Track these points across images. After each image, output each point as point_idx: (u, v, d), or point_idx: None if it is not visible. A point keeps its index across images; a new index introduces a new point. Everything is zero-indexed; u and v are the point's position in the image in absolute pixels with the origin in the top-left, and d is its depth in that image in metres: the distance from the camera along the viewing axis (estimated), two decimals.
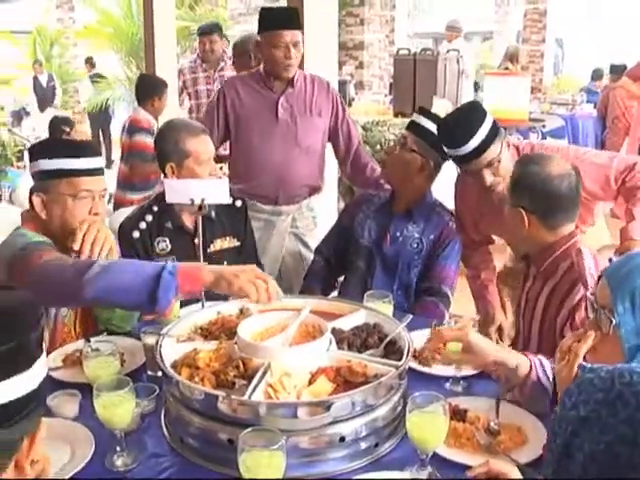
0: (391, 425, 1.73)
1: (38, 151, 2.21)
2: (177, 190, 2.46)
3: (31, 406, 1.02)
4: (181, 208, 2.64)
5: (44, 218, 2.17)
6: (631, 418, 0.98)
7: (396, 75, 7.29)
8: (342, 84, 7.34)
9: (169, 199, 2.49)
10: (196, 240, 2.64)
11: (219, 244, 2.75)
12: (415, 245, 2.77)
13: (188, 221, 2.69)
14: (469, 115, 2.53)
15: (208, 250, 2.62)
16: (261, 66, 3.31)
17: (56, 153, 2.16)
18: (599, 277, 1.58)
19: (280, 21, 3.15)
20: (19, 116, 11.65)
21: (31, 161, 2.22)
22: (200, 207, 2.39)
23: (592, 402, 1.02)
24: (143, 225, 2.63)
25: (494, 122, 2.52)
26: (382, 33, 10.32)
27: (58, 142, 2.31)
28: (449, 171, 2.97)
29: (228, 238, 2.79)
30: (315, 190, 3.40)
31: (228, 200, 2.54)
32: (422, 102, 7.07)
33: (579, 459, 1.01)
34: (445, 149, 2.59)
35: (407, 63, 7.11)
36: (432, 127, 2.71)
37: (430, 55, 7.18)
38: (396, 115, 6.58)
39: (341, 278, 3.05)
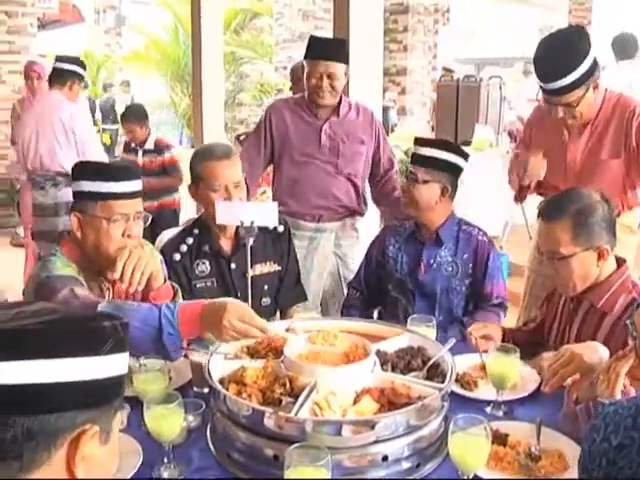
0: (433, 446, 1.74)
1: (77, 171, 2.25)
2: (227, 211, 2.49)
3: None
4: (220, 232, 2.67)
5: (79, 237, 2.21)
6: None
7: (439, 101, 7.32)
8: (385, 110, 7.40)
9: (219, 220, 2.52)
10: (232, 264, 2.70)
11: (259, 269, 2.75)
12: (450, 269, 2.78)
13: (225, 245, 2.71)
14: (574, 47, 2.50)
15: (247, 275, 2.62)
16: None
17: (93, 175, 2.18)
18: (638, 305, 1.58)
19: (318, 51, 3.24)
20: None
21: (72, 180, 2.27)
22: (247, 229, 2.44)
23: (622, 429, 1.04)
24: (184, 248, 2.66)
25: (595, 60, 2.49)
26: (425, 59, 10.38)
27: (96, 164, 2.35)
28: None
29: (269, 263, 2.79)
30: (357, 213, 3.45)
31: (276, 224, 2.57)
32: (464, 128, 7.10)
33: None
34: (537, 77, 2.57)
35: (450, 89, 7.15)
36: (435, 153, 2.73)
37: (473, 81, 7.20)
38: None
39: (376, 310, 3.06)
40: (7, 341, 0.95)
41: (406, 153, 5.75)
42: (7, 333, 0.96)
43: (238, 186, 2.63)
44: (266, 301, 2.80)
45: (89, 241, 2.19)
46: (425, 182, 2.72)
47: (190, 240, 2.67)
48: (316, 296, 3.37)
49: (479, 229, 2.85)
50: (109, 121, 12.92)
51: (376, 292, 2.97)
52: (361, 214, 3.49)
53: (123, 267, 2.06)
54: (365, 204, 3.50)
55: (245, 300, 2.40)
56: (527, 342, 2.36)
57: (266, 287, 2.79)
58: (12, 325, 0.97)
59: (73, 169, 2.29)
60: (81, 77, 4.58)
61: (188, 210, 5.28)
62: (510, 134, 6.92)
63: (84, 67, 4.64)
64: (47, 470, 0.97)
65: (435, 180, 2.73)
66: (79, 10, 16.03)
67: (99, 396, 1.01)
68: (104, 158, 4.43)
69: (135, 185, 2.23)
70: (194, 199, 2.74)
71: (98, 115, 13.33)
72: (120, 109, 12.15)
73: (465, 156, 2.80)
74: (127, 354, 1.08)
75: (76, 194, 2.23)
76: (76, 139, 4.28)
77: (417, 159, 2.78)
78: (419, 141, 2.83)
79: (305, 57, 3.29)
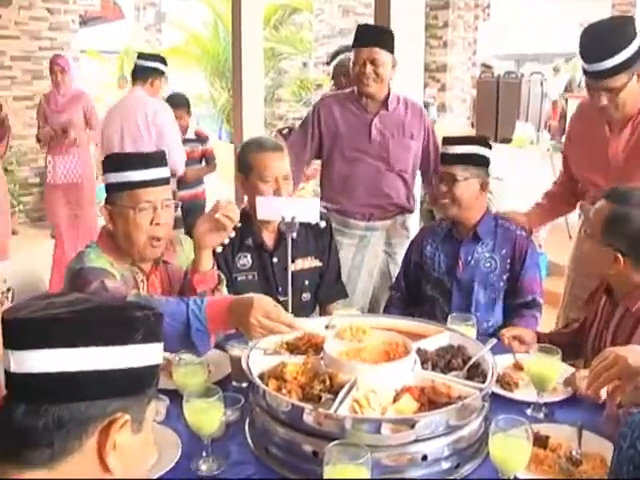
0: (473, 447, 1.73)
1: (106, 164, 2.29)
2: (269, 207, 2.50)
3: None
4: (262, 225, 2.69)
5: (111, 229, 2.25)
6: None
7: (479, 98, 7.25)
8: (425, 106, 7.36)
9: (260, 215, 2.53)
10: (274, 258, 2.70)
11: (300, 264, 2.76)
12: (488, 265, 2.76)
13: (268, 239, 2.72)
14: (620, 31, 2.46)
15: (289, 269, 2.63)
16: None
17: (118, 166, 2.23)
18: None
19: (362, 38, 3.24)
20: None
21: (102, 174, 2.31)
22: (288, 225, 2.44)
23: None
24: (226, 240, 2.67)
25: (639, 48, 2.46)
26: (465, 55, 10.28)
27: (120, 155, 2.37)
28: None
29: (310, 258, 2.80)
30: (406, 210, 3.43)
31: (317, 220, 2.57)
32: (504, 125, 7.03)
33: None
34: (581, 59, 2.53)
35: (490, 86, 7.08)
36: (469, 149, 2.72)
37: (514, 78, 7.12)
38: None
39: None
40: (37, 330, 0.97)
41: None
42: (38, 322, 0.98)
43: (287, 179, 2.65)
44: (306, 296, 2.81)
45: (120, 232, 2.23)
46: (465, 179, 2.71)
47: (233, 233, 2.68)
48: (365, 294, 3.37)
49: (517, 224, 2.84)
50: None
51: (414, 293, 2.97)
52: (410, 211, 3.47)
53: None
54: (414, 201, 3.48)
55: (286, 295, 2.41)
56: (567, 344, 2.33)
57: (307, 282, 2.79)
58: (43, 314, 0.99)
59: (102, 163, 2.33)
60: (162, 73, 4.66)
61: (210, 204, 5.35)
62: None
63: (165, 63, 4.73)
64: (78, 458, 0.98)
65: (474, 176, 2.72)
66: (120, 7, 16.23)
67: (130, 385, 1.02)
68: (181, 153, 4.52)
69: (160, 172, 2.25)
70: (242, 188, 2.73)
71: None
72: None
73: (490, 147, 2.81)
74: (161, 345, 1.09)
75: (106, 187, 2.27)
76: (156, 130, 4.41)
77: (452, 158, 2.75)
78: (449, 140, 2.80)
79: (352, 48, 3.28)
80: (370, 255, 3.37)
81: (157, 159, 2.29)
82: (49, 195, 5.80)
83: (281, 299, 2.39)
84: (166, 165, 2.30)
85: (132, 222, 2.19)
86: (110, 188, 2.25)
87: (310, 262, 2.81)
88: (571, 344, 2.36)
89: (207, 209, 4.88)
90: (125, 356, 1.01)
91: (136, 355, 1.02)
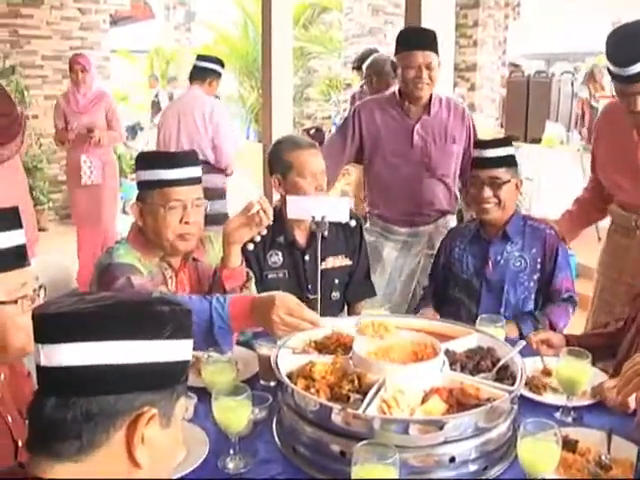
0: (501, 449, 1.72)
1: (138, 162, 2.33)
2: (298, 206, 2.51)
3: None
4: (294, 223, 2.69)
5: (141, 226, 2.28)
6: None
7: (509, 97, 7.19)
8: None
9: (290, 214, 2.54)
10: (306, 256, 2.71)
11: (331, 262, 2.77)
12: (518, 264, 2.75)
13: (300, 237, 2.73)
14: None
15: (320, 267, 2.64)
16: (396, 88, 3.34)
17: (151, 164, 2.25)
18: None
19: (413, 41, 3.18)
20: (134, 131, 12.24)
21: (135, 171, 2.35)
22: (318, 224, 2.44)
23: None
24: (258, 238, 2.63)
25: None
26: (495, 54, 10.20)
27: (152, 154, 2.40)
28: None
29: (340, 257, 2.80)
30: (449, 212, 3.41)
31: (347, 219, 2.56)
32: (534, 125, 6.97)
33: None
34: (609, 63, 2.47)
35: (520, 85, 7.01)
36: (505, 151, 2.72)
37: (544, 77, 7.05)
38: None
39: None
40: (66, 324, 0.99)
41: None
42: (67, 316, 1.00)
43: (324, 174, 2.68)
44: (335, 295, 2.81)
45: (150, 229, 2.26)
46: (507, 182, 2.70)
47: (264, 231, 2.69)
48: (405, 296, 3.37)
49: (546, 223, 2.83)
50: None
51: (441, 295, 2.96)
52: (453, 213, 3.46)
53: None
54: (456, 202, 3.46)
55: (316, 293, 2.42)
56: (603, 345, 2.30)
57: (337, 281, 2.80)
58: (72, 308, 1.01)
59: (135, 161, 2.37)
60: (219, 75, 4.87)
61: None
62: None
63: (222, 65, 4.93)
64: (107, 451, 1.00)
65: (513, 177, 2.72)
66: (150, 7, 16.36)
67: (159, 380, 1.04)
68: (230, 149, 4.65)
69: (192, 172, 2.27)
70: (280, 190, 2.71)
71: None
72: None
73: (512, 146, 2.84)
74: (190, 341, 1.10)
75: (137, 184, 2.31)
76: (212, 127, 4.56)
77: (492, 161, 2.71)
78: (480, 144, 2.80)
79: (399, 50, 3.23)
80: (412, 258, 3.37)
81: (189, 159, 2.32)
82: (76, 195, 5.73)
83: (311, 297, 2.39)
84: (198, 165, 2.32)
85: (162, 220, 2.22)
86: (141, 185, 2.29)
87: (341, 261, 2.81)
88: (607, 345, 2.32)
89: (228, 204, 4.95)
90: (153, 351, 1.02)
91: (164, 350, 1.04)
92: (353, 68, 6.12)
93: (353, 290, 2.88)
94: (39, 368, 1.01)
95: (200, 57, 4.97)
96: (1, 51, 7.77)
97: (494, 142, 2.80)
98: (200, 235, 2.36)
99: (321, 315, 2.33)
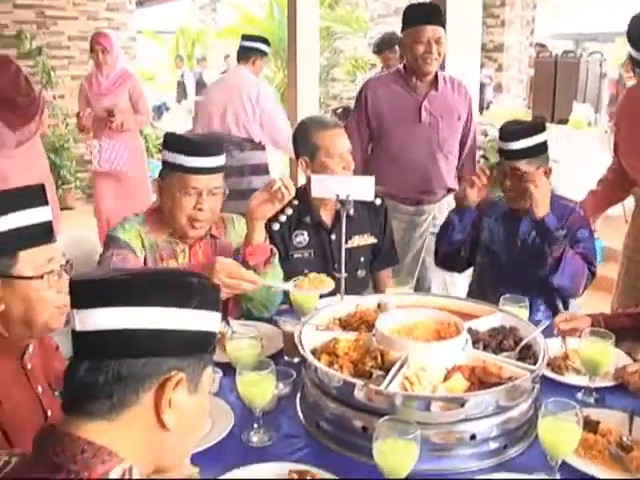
0: (522, 428, 1.73)
1: (166, 141, 2.37)
2: (323, 185, 2.51)
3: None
4: (320, 203, 2.70)
5: (158, 203, 2.36)
6: None
7: (536, 78, 7.10)
8: (481, 87, 7.26)
9: (314, 193, 2.54)
10: (333, 236, 2.73)
11: (357, 241, 2.77)
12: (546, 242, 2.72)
13: (326, 217, 2.74)
14: None
15: (345, 246, 2.64)
16: (401, 65, 3.34)
17: (174, 147, 2.31)
18: None
19: (422, 16, 3.18)
20: (160, 111, 12.29)
21: (162, 149, 2.39)
22: (343, 203, 2.45)
23: None
24: (283, 218, 2.68)
25: None
26: (522, 34, 10.06)
27: (179, 137, 2.43)
28: None
29: (366, 235, 2.81)
30: (452, 190, 3.40)
31: (372, 197, 2.57)
32: (561, 106, 6.88)
33: None
34: (631, 46, 2.43)
35: (548, 66, 6.92)
36: (527, 142, 2.59)
37: (572, 57, 6.95)
38: (535, 119, 6.41)
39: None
40: (99, 289, 1.05)
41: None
42: (100, 282, 1.06)
43: (349, 153, 2.69)
44: (361, 273, 2.83)
45: (165, 206, 2.34)
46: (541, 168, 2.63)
47: (290, 211, 2.69)
48: (411, 274, 3.36)
49: (575, 202, 2.79)
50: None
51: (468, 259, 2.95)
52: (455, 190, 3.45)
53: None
54: (458, 180, 3.46)
55: (341, 272, 2.43)
56: (630, 327, 2.28)
57: (362, 259, 2.82)
58: (102, 276, 1.07)
59: (164, 138, 2.41)
60: (264, 53, 4.82)
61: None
62: None
63: (268, 44, 4.87)
64: (136, 411, 1.04)
65: (545, 163, 2.66)
66: None
67: (186, 347, 1.08)
68: (287, 131, 4.51)
69: (214, 161, 2.31)
70: (307, 171, 2.70)
71: (192, 87, 13.63)
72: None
73: (545, 129, 2.74)
74: (218, 314, 1.14)
75: (162, 162, 2.37)
76: (260, 111, 4.54)
77: (515, 154, 2.63)
78: (505, 137, 2.66)
79: (406, 26, 3.22)
80: (417, 236, 3.39)
81: (212, 147, 2.35)
82: (98, 187, 5.32)
83: (337, 276, 2.41)
84: (221, 154, 2.35)
85: (177, 202, 2.29)
86: (165, 165, 2.35)
87: (366, 239, 2.82)
88: (636, 327, 2.29)
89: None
90: (181, 319, 1.06)
91: (191, 319, 1.08)
92: (374, 52, 6.08)
93: (378, 260, 2.90)
94: (74, 333, 1.05)
95: (244, 37, 4.92)
96: (28, 32, 7.82)
97: (522, 132, 2.66)
98: (214, 220, 2.42)
99: (347, 293, 2.37)
